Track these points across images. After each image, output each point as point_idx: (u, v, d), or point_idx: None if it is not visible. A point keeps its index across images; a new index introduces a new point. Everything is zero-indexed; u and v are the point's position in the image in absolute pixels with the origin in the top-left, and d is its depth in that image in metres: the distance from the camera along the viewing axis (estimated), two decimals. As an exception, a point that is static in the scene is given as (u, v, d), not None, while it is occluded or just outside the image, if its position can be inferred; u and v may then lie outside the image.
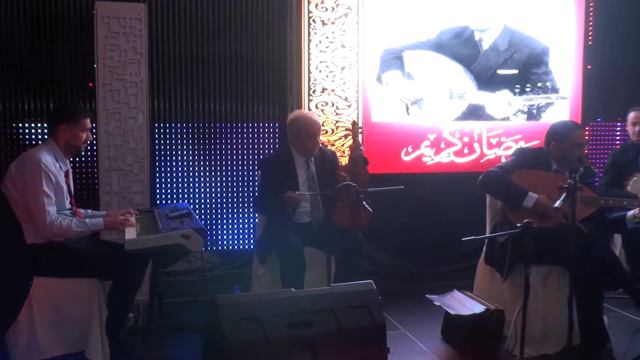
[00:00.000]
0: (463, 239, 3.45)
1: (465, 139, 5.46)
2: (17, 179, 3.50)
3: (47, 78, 5.09)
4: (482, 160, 5.47)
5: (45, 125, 5.01)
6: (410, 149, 5.35)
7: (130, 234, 3.53)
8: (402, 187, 3.87)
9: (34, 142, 5.07)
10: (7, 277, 3.50)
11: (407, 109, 5.31)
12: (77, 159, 5.12)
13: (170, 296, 4.47)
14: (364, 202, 3.68)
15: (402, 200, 5.16)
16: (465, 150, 5.47)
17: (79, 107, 3.92)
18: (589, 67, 5.71)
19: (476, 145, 5.48)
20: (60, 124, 3.68)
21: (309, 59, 5.10)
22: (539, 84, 5.59)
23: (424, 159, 5.38)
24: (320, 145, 4.33)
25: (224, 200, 5.54)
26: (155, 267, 3.77)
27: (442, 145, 5.41)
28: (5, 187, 3.54)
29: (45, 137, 4.64)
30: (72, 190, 3.81)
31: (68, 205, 3.70)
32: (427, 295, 4.16)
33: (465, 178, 5.07)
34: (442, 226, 5.37)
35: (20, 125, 5.10)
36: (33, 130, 5.12)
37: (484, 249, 4.25)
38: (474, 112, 5.46)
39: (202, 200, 5.50)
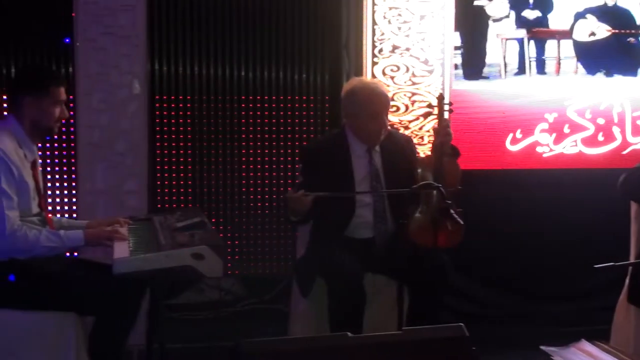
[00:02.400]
0: (596, 266, 3.40)
1: (600, 121, 5.38)
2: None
3: (6, 33, 5.16)
4: (624, 152, 5.40)
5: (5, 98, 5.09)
6: (519, 135, 5.29)
7: (121, 251, 3.55)
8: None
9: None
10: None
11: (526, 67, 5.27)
12: (47, 145, 5.18)
13: (176, 340, 4.50)
14: (453, 211, 3.64)
15: (507, 208, 5.10)
16: (600, 137, 5.39)
17: (49, 72, 3.97)
18: None
19: (616, 130, 5.40)
20: (23, 95, 3.72)
21: (373, 5, 5.08)
22: None
23: (539, 150, 5.33)
24: (390, 128, 4.32)
25: (252, 205, 5.56)
26: (155, 298, 3.81)
27: (566, 130, 5.34)
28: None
29: (5, 114, 4.72)
30: (42, 188, 3.86)
31: (36, 209, 3.74)
32: (541, 347, 4.09)
33: (599, 177, 5.01)
34: (564, 246, 5.31)
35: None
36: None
37: (627, 281, 4.19)
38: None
39: (222, 205, 5.53)
